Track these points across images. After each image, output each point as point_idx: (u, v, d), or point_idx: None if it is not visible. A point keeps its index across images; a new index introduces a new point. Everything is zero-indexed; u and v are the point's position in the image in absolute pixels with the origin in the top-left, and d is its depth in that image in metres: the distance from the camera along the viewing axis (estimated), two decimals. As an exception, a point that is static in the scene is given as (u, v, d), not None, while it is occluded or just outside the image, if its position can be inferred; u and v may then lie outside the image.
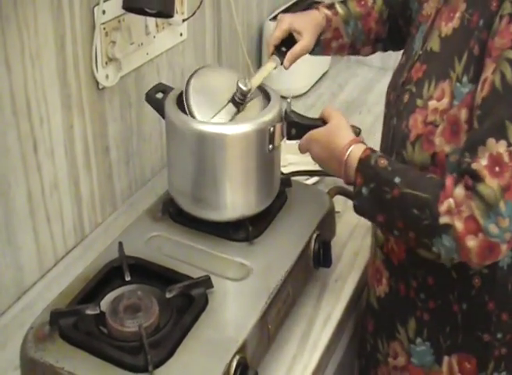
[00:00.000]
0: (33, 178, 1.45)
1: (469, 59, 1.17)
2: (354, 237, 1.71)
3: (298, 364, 1.35)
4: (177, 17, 1.77)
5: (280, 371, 1.33)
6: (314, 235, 1.46)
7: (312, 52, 1.59)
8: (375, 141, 2.08)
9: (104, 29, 1.54)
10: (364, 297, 1.58)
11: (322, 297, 1.51)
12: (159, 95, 1.47)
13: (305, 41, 1.52)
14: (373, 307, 1.50)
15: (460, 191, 1.10)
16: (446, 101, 1.20)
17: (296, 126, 1.40)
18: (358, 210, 1.27)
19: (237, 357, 1.16)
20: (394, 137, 1.32)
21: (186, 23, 1.83)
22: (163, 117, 1.42)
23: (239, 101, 1.38)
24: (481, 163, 1.09)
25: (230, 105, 1.38)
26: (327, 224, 1.53)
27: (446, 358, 1.36)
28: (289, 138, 1.43)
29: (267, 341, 1.29)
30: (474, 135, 1.13)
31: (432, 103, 1.22)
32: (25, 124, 1.39)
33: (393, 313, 1.43)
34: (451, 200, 1.10)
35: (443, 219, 1.11)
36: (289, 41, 1.52)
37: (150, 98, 1.48)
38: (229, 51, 2.13)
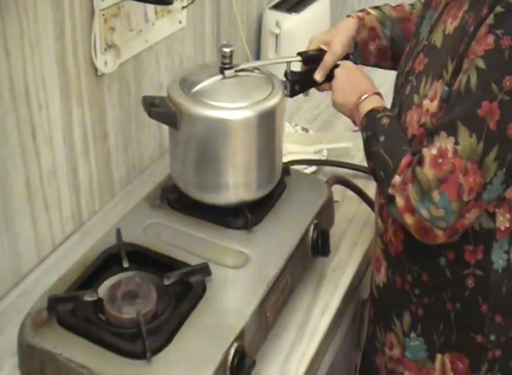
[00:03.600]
0: (31, 165, 1.45)
1: (458, 64, 1.17)
2: (353, 226, 1.71)
3: (296, 352, 1.35)
4: (176, 4, 1.76)
5: (278, 359, 1.33)
6: (313, 224, 1.45)
7: (353, 59, 1.56)
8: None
9: (103, 15, 1.53)
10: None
11: (321, 286, 1.51)
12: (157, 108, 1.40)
13: (334, 47, 1.49)
14: (374, 295, 1.50)
15: (409, 172, 1.17)
16: (435, 103, 1.20)
17: (299, 82, 1.48)
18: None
19: (235, 345, 1.16)
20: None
21: (185, 10, 1.82)
22: (175, 127, 1.39)
23: (224, 67, 1.39)
24: (431, 151, 1.14)
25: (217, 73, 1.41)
26: (326, 213, 1.53)
27: (439, 356, 1.36)
28: (293, 95, 1.49)
29: (265, 329, 1.29)
30: (438, 123, 1.17)
31: (426, 103, 1.22)
32: (24, 111, 1.39)
33: (390, 304, 1.43)
34: (398, 177, 1.19)
35: (390, 191, 1.20)
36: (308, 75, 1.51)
37: (154, 115, 1.41)
38: (228, 39, 2.11)
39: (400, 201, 1.18)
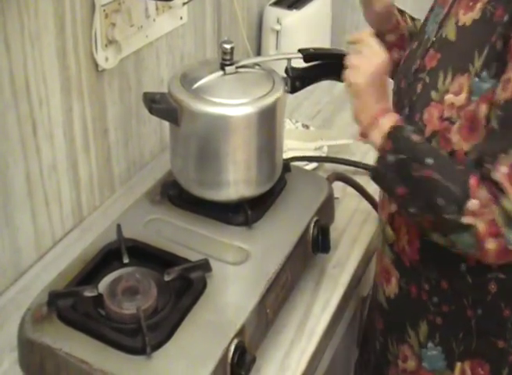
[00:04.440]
0: (31, 160, 1.45)
1: (490, 54, 1.12)
2: (353, 223, 1.70)
3: (296, 349, 1.35)
4: (177, 0, 1.76)
5: (278, 356, 1.33)
6: (313, 220, 1.45)
7: None
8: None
9: (104, 11, 1.53)
10: (368, 291, 1.58)
11: (321, 283, 1.51)
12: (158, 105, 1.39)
13: None
14: (382, 306, 1.45)
15: (484, 193, 1.08)
16: (463, 96, 1.14)
17: (300, 78, 1.46)
18: (376, 176, 1.23)
19: (235, 341, 1.16)
20: None
21: (186, 6, 1.82)
22: (176, 124, 1.39)
23: (225, 63, 1.39)
24: (502, 171, 1.07)
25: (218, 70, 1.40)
26: (326, 210, 1.52)
27: (458, 364, 1.33)
28: (294, 91, 1.48)
29: (265, 326, 1.29)
30: (496, 140, 1.10)
31: (449, 97, 1.17)
32: (24, 106, 1.39)
33: (403, 315, 1.39)
34: (476, 201, 1.08)
35: (467, 219, 1.09)
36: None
37: (155, 112, 1.41)
38: (229, 35, 2.08)
39: (481, 226, 1.08)
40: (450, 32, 1.22)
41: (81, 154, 1.59)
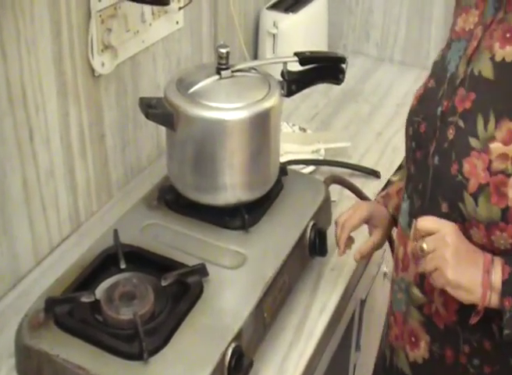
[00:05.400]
0: (28, 166, 1.45)
1: None
2: (350, 226, 1.70)
3: (294, 352, 1.35)
4: (173, 5, 1.76)
5: (276, 359, 1.33)
6: (310, 224, 1.45)
7: None
8: (369, 128, 2.11)
9: (100, 16, 1.53)
10: (375, 359, 1.51)
11: (318, 286, 1.51)
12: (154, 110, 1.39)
13: (377, 237, 1.44)
14: (404, 373, 1.32)
15: None
16: None
17: (296, 82, 1.46)
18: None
19: (233, 345, 1.16)
20: (439, 181, 1.14)
21: (182, 11, 1.82)
22: (172, 129, 1.39)
23: (220, 68, 1.39)
24: None
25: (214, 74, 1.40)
26: (323, 213, 1.53)
27: None
28: (290, 94, 1.47)
29: (263, 330, 1.29)
30: None
31: (496, 146, 1.04)
32: (20, 112, 1.39)
33: None
34: None
35: None
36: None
37: (152, 117, 1.41)
38: (226, 40, 2.09)
39: None
40: (485, 69, 1.09)
41: (78, 159, 1.59)
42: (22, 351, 1.19)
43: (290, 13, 2.28)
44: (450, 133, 1.11)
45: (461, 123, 1.10)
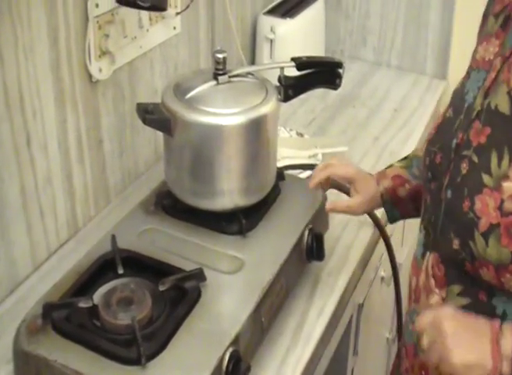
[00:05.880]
0: (26, 172, 1.45)
1: None
2: (348, 230, 1.70)
3: (291, 357, 1.35)
4: (170, 11, 1.77)
5: (273, 364, 1.33)
6: (307, 228, 1.46)
7: (389, 216, 1.48)
8: (366, 133, 2.11)
9: (97, 22, 1.54)
10: None
11: (315, 290, 1.51)
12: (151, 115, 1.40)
13: (355, 201, 1.45)
14: None
15: None
16: None
17: (293, 87, 1.46)
18: None
19: (230, 350, 1.17)
20: (451, 216, 1.11)
21: (179, 16, 1.83)
22: (170, 134, 1.40)
23: (217, 73, 1.40)
24: None
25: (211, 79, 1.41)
26: (320, 218, 1.53)
27: None
28: (287, 99, 1.47)
29: (260, 334, 1.29)
30: None
31: (510, 186, 1.01)
32: (18, 118, 1.39)
33: None
34: None
35: None
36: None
37: (149, 122, 1.41)
38: (223, 45, 2.09)
39: None
40: (502, 103, 1.05)
41: (76, 165, 1.59)
42: (20, 357, 1.19)
43: (288, 18, 2.28)
44: (464, 167, 1.09)
45: (475, 158, 1.07)
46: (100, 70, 1.58)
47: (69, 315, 1.21)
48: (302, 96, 1.54)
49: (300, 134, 2.05)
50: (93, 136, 1.63)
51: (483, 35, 1.18)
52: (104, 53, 1.58)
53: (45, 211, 1.53)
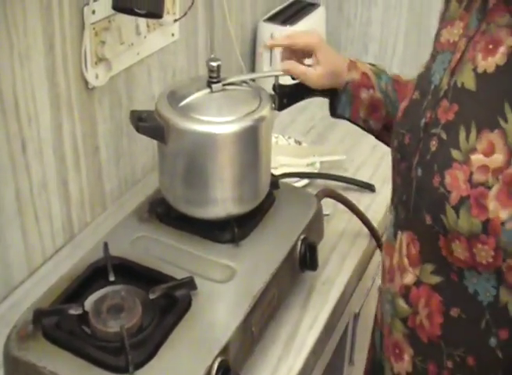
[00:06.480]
0: (21, 177, 1.45)
1: None
2: (343, 240, 1.70)
3: (283, 366, 1.35)
4: (168, 17, 1.77)
5: (265, 373, 1.33)
6: (301, 238, 1.45)
7: (338, 107, 1.48)
8: (365, 141, 2.11)
9: (93, 29, 1.54)
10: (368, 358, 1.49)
11: (309, 299, 1.51)
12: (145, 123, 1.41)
13: (316, 72, 1.42)
14: None
15: None
16: (500, 157, 1.00)
17: (287, 95, 1.46)
18: None
19: (219, 359, 1.16)
20: (422, 193, 1.13)
21: (177, 23, 1.83)
22: (163, 142, 1.40)
23: (211, 81, 1.40)
24: None
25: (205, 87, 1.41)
26: (314, 227, 1.52)
27: None
28: (282, 108, 1.47)
29: (250, 344, 1.29)
30: None
31: (478, 158, 1.02)
32: (13, 124, 1.40)
33: None
34: None
35: None
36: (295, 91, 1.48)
37: (142, 130, 1.42)
38: (222, 52, 2.12)
39: None
40: (468, 80, 1.07)
41: (72, 171, 1.60)
42: (10, 363, 1.19)
43: (288, 26, 2.29)
44: (433, 144, 1.10)
45: (444, 135, 1.09)
46: (96, 77, 1.59)
47: (59, 321, 1.20)
48: (301, 104, 1.54)
49: (299, 142, 2.05)
50: (89, 142, 1.63)
51: (446, 20, 1.20)
52: (100, 60, 1.58)
53: (40, 216, 1.53)
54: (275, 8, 2.40)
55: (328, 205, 1.71)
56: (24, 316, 1.23)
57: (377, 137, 1.55)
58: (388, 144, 1.35)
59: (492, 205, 1.01)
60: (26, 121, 1.43)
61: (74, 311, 1.21)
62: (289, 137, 2.06)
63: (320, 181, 1.89)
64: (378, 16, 2.52)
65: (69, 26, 1.48)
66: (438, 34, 1.21)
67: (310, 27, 2.38)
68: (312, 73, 1.42)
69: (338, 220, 1.75)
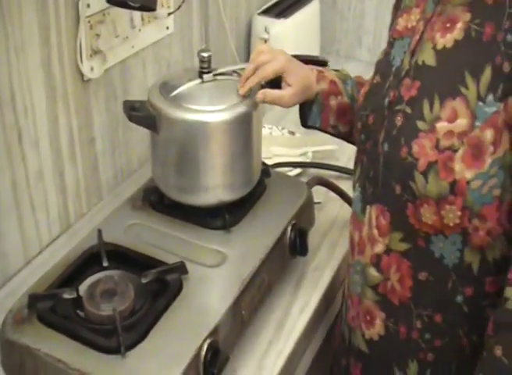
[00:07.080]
0: (17, 168, 1.48)
1: (496, 76, 1.06)
2: (335, 227, 1.73)
3: (273, 350, 1.38)
4: (163, 11, 1.80)
5: (255, 356, 1.36)
6: (291, 224, 1.48)
7: (309, 118, 1.51)
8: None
9: (88, 22, 1.57)
10: (338, 333, 1.52)
11: (300, 285, 1.54)
12: (137, 112, 1.43)
13: (288, 93, 1.44)
14: (360, 350, 1.36)
15: None
16: (463, 122, 1.07)
17: (276, 86, 1.45)
18: None
19: (208, 341, 1.19)
20: (390, 166, 1.18)
21: (172, 16, 1.85)
22: (155, 131, 1.43)
23: (202, 71, 1.43)
24: None
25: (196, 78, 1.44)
26: (304, 213, 1.55)
27: None
28: None
29: (240, 327, 1.32)
30: None
31: (442, 125, 1.09)
32: (9, 115, 1.43)
33: (390, 357, 1.30)
34: None
35: None
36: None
37: (135, 119, 1.44)
38: (217, 46, 2.15)
39: None
40: (428, 57, 1.14)
41: (68, 162, 1.62)
42: (5, 346, 1.22)
43: (282, 19, 2.31)
44: (398, 120, 1.16)
45: (408, 110, 1.14)
46: (91, 69, 1.61)
47: (54, 306, 1.24)
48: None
49: (292, 133, 2.08)
50: (85, 134, 1.66)
51: (401, 9, 1.27)
52: (95, 52, 1.61)
53: (37, 206, 1.56)
54: (270, 2, 2.42)
55: (320, 193, 1.74)
56: (20, 301, 1.27)
57: (345, 140, 1.59)
58: (355, 144, 1.38)
59: (458, 166, 1.08)
60: (23, 113, 1.46)
61: (68, 295, 1.24)
62: (283, 128, 2.09)
63: (313, 170, 1.92)
64: (371, 8, 2.54)
65: (65, 19, 1.51)
66: (393, 23, 1.28)
67: (304, 20, 2.41)
68: (284, 95, 1.44)
69: (330, 208, 1.78)
